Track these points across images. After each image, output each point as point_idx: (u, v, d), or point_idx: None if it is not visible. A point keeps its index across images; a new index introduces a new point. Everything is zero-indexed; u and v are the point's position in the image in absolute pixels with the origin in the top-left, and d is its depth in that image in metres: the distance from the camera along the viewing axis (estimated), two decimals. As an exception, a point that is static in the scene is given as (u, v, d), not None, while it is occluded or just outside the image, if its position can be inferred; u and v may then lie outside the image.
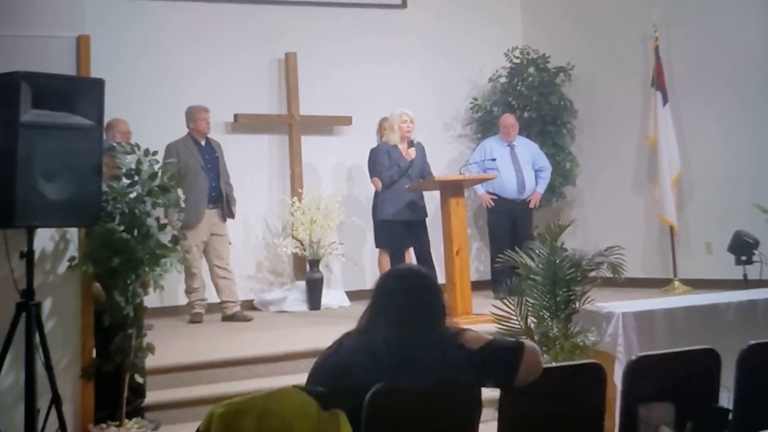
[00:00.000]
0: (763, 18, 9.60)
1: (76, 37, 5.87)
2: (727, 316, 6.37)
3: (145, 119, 8.71)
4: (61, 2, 5.90)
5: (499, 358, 3.36)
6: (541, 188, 10.09)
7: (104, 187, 5.65)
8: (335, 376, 3.26)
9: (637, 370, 3.86)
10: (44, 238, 5.66)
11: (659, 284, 9.95)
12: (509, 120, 10.12)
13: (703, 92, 10.14)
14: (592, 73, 11.03)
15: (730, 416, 3.87)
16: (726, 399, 3.97)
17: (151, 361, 5.97)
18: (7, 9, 5.69)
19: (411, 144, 9.05)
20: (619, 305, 6.17)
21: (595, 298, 6.11)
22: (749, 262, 8.46)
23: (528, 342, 3.55)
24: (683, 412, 3.72)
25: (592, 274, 6.08)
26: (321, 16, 10.60)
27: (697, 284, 9.67)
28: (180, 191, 6.14)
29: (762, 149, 9.63)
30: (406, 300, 3.37)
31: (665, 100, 10.18)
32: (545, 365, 3.55)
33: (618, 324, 5.94)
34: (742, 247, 8.53)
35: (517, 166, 9.91)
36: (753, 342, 4.07)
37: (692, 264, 10.16)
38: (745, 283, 8.18)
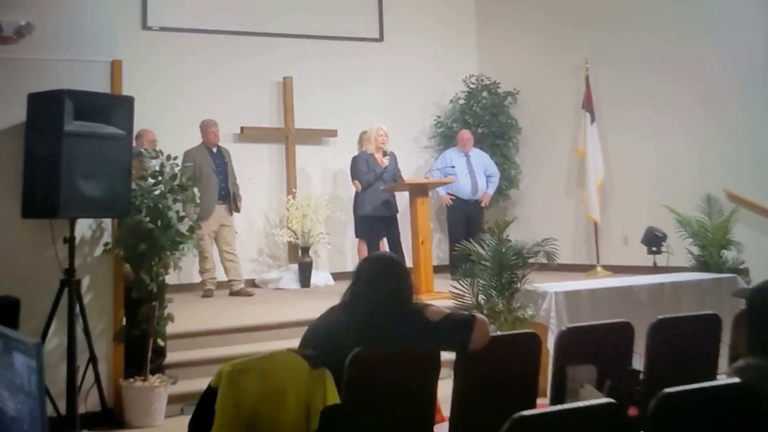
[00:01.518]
0: (675, 50, 9.65)
1: (110, 61, 5.84)
2: (640, 295, 6.42)
3: (168, 129, 8.67)
4: (98, 32, 5.86)
5: (455, 329, 3.37)
6: (491, 190, 10.10)
7: (133, 186, 5.63)
8: (322, 341, 3.27)
9: (566, 338, 3.89)
10: (83, 227, 5.64)
11: (585, 269, 9.99)
12: (466, 135, 10.12)
13: (623, 113, 10.20)
14: (534, 97, 11.04)
15: (641, 376, 3.91)
16: (638, 362, 4.01)
17: (170, 328, 5.94)
18: (52, 36, 5.65)
19: (385, 154, 9.08)
20: (552, 286, 6.22)
21: (533, 280, 6.15)
22: (658, 252, 8.50)
23: (479, 315, 3.57)
24: (603, 373, 3.74)
25: (531, 260, 6.11)
26: (313, 47, 10.56)
27: (616, 269, 9.71)
28: (195, 189, 6.13)
29: (671, 160, 9.70)
30: (380, 281, 3.39)
31: (593, 120, 10.22)
32: (492, 334, 3.57)
33: (551, 301, 5.99)
34: (653, 240, 8.57)
35: (471, 172, 9.91)
36: (660, 317, 4.11)
37: (612, 253, 10.21)
38: (655, 269, 8.22)
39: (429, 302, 3.59)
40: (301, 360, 3.12)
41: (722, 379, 3.30)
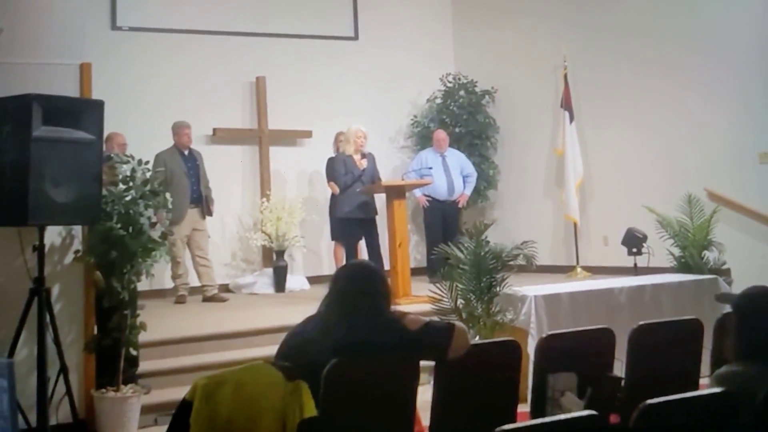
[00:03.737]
0: (654, 48, 9.71)
1: (79, 64, 5.80)
2: (620, 298, 6.45)
3: (138, 132, 8.64)
4: (66, 34, 5.82)
5: (433, 338, 3.38)
6: (468, 191, 10.13)
7: (104, 192, 5.60)
8: (299, 353, 3.27)
9: (546, 346, 3.92)
10: (53, 235, 5.59)
11: (565, 270, 10.04)
12: (441, 135, 10.15)
13: (602, 112, 10.25)
14: (512, 96, 11.08)
15: (623, 383, 3.94)
16: (619, 369, 4.03)
17: (143, 336, 5.91)
18: (20, 39, 5.61)
19: (363, 155, 9.08)
20: (531, 289, 6.24)
21: (513, 283, 6.17)
22: (639, 253, 8.54)
23: (458, 324, 3.58)
24: (584, 380, 3.77)
25: (510, 263, 6.14)
26: (287, 46, 10.55)
27: (596, 270, 9.77)
28: (167, 195, 6.11)
29: (651, 160, 9.76)
30: (357, 291, 3.39)
31: (572, 119, 10.26)
32: (472, 341, 3.58)
33: (531, 305, 6.01)
34: (633, 241, 8.61)
35: (447, 172, 9.93)
36: (642, 322, 4.14)
37: (592, 254, 10.26)
38: (635, 271, 8.26)
39: (406, 308, 3.60)
40: (277, 372, 3.12)
41: (704, 388, 3.34)
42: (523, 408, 3.88)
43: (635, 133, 9.92)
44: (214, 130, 10.00)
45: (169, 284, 9.08)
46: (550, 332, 4.29)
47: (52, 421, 5.30)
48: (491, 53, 11.29)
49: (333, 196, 9.23)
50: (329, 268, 9.73)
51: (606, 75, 10.16)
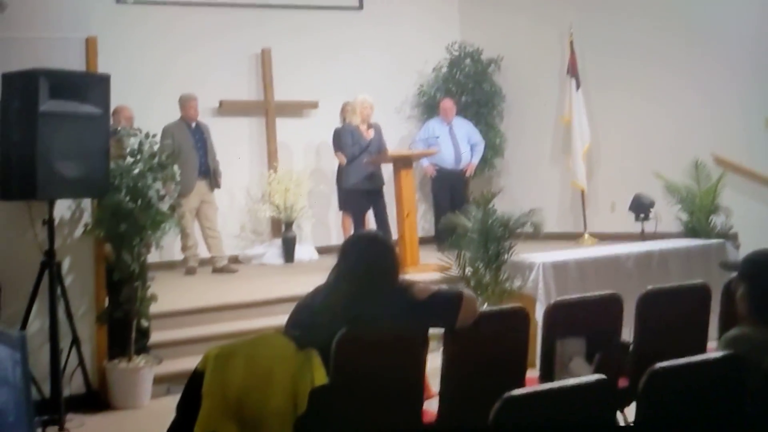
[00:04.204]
0: (663, 13, 9.64)
1: (85, 38, 5.79)
2: (627, 264, 6.47)
3: (145, 105, 8.60)
4: (71, 9, 5.81)
5: (442, 307, 3.39)
6: (475, 160, 10.10)
7: (112, 165, 5.62)
8: (309, 323, 3.27)
9: (554, 312, 3.92)
10: (62, 208, 5.61)
11: (572, 237, 10.02)
12: (447, 104, 10.11)
13: (609, 79, 10.19)
14: (518, 64, 11.01)
15: (631, 348, 3.95)
16: (627, 334, 4.04)
17: (154, 307, 5.95)
18: (25, 14, 5.60)
19: (370, 126, 9.07)
20: (539, 256, 6.25)
21: (520, 251, 6.18)
22: (646, 219, 8.52)
23: (467, 292, 3.58)
24: (593, 346, 3.78)
25: (518, 231, 6.15)
26: (292, 17, 10.48)
27: (603, 237, 9.76)
28: (175, 167, 6.12)
29: (658, 125, 9.71)
30: (365, 261, 3.39)
31: (578, 86, 10.22)
32: (480, 309, 3.59)
33: (539, 272, 6.03)
34: (641, 207, 8.59)
35: (454, 141, 9.91)
36: (649, 287, 4.14)
37: (599, 220, 10.24)
38: (643, 237, 8.26)
39: (415, 277, 3.60)
40: (287, 341, 3.13)
41: (712, 351, 3.35)
42: (532, 374, 3.90)
43: (642, 99, 9.86)
44: (221, 102, 9.97)
45: (179, 256, 9.10)
46: (558, 299, 4.30)
47: (66, 392, 5.37)
48: (497, 21, 11.21)
49: (340, 166, 9.23)
50: (338, 238, 9.73)
51: (612, 42, 10.08)
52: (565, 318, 3.87)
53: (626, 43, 9.94)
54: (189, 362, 4.19)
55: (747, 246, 7.42)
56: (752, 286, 3.06)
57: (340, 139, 9.14)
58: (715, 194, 7.83)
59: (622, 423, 3.65)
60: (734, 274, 3.25)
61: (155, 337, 6.20)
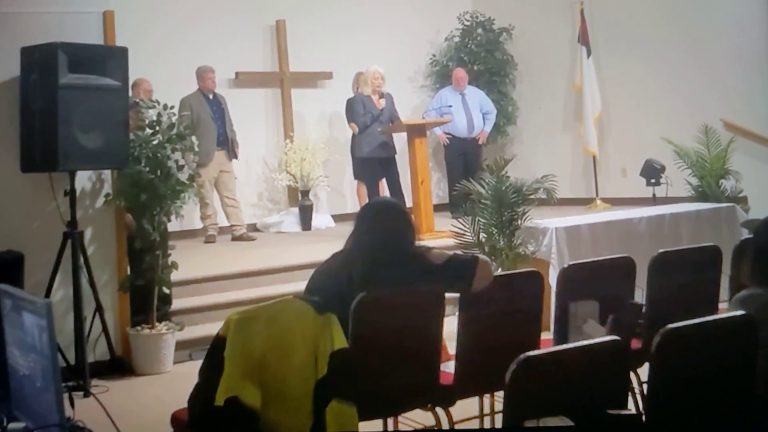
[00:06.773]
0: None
1: (102, 12, 5.77)
2: (639, 228, 6.45)
3: (163, 77, 8.57)
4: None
5: (457, 271, 3.38)
6: (488, 128, 10.06)
7: (131, 136, 5.62)
8: (327, 288, 3.27)
9: (568, 275, 3.92)
10: (83, 179, 5.64)
11: (584, 203, 10.01)
12: (460, 73, 10.05)
13: (619, 46, 10.12)
14: (530, 33, 10.91)
15: (644, 309, 3.94)
16: (640, 296, 4.03)
17: (175, 275, 5.98)
18: (44, -11, 5.60)
19: (381, 95, 9.06)
20: (552, 221, 6.24)
21: (533, 216, 6.16)
22: (657, 183, 8.49)
23: (481, 256, 3.58)
24: (606, 308, 3.77)
25: (531, 197, 6.12)
26: (305, -11, 10.44)
27: (615, 202, 9.73)
28: (193, 138, 6.12)
29: (668, 91, 9.65)
30: (382, 227, 3.39)
31: (589, 53, 10.16)
32: (495, 274, 3.59)
33: (552, 237, 6.02)
34: (652, 172, 8.55)
35: (467, 110, 9.87)
36: (661, 250, 4.12)
37: (611, 186, 10.23)
38: (654, 201, 8.23)
39: (431, 245, 3.60)
40: (307, 306, 3.13)
41: (724, 311, 3.33)
42: (547, 336, 3.90)
43: (651, 66, 9.79)
44: (237, 74, 9.94)
45: (198, 225, 9.12)
46: (571, 263, 4.29)
47: (90, 359, 5.43)
48: (508, -10, 11.13)
49: (354, 136, 9.22)
50: (353, 206, 9.72)
51: (622, 9, 10.00)
52: (579, 281, 3.86)
53: (636, 10, 9.87)
54: (210, 328, 4.21)
55: (756, 209, 7.39)
56: (765, 247, 3.03)
57: (352, 109, 9.15)
58: (725, 159, 7.79)
59: (635, 383, 3.65)
60: (747, 233, 3.23)
61: (177, 304, 6.24)
